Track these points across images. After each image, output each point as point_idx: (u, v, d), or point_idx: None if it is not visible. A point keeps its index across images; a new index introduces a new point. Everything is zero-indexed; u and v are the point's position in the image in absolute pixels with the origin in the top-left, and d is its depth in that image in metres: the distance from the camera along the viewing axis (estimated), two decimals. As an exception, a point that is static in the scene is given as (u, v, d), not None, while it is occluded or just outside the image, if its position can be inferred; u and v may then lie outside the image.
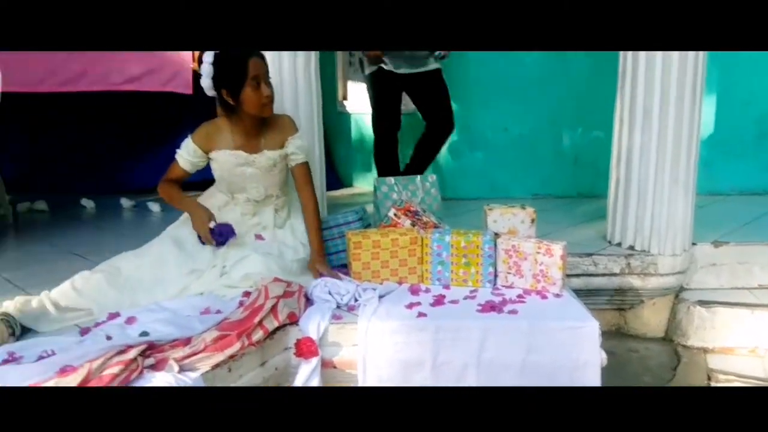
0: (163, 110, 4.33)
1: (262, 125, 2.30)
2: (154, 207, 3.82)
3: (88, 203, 3.99)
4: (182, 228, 2.30)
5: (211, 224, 2.17)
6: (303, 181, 2.36)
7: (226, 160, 2.28)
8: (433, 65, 3.27)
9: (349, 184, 4.54)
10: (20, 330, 1.81)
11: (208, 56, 2.18)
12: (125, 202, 3.98)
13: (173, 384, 1.48)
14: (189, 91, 3.78)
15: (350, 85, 4.42)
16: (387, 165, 3.40)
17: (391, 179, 2.64)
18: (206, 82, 2.22)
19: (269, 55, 2.45)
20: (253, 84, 2.16)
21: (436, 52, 3.16)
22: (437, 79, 3.32)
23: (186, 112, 4.28)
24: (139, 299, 2.01)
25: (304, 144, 2.37)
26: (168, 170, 2.35)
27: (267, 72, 2.22)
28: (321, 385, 1.83)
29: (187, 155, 2.29)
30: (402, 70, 3.23)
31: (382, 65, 3.21)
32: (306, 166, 2.37)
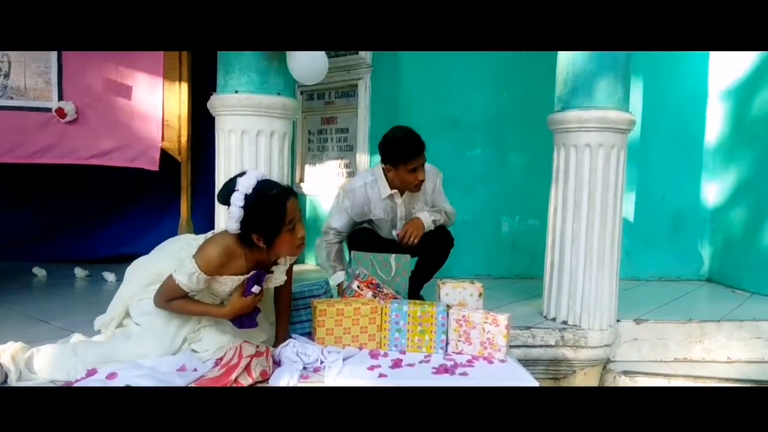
0: (120, 181, 4.44)
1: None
2: (109, 276, 3.85)
3: (39, 271, 3.97)
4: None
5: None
6: (289, 277, 2.35)
7: (232, 285, 2.16)
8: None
9: (302, 261, 4.73)
10: (4, 378, 1.89)
11: (238, 200, 1.97)
12: (79, 272, 3.98)
13: None
14: (155, 168, 3.95)
15: (307, 168, 4.71)
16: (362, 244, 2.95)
17: (368, 255, 2.71)
18: (233, 226, 2.01)
19: (248, 137, 2.71)
20: (289, 228, 2.03)
21: (394, 234, 2.88)
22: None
23: (144, 183, 4.45)
24: None
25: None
26: (166, 292, 2.10)
27: (300, 209, 2.09)
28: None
29: (193, 284, 2.07)
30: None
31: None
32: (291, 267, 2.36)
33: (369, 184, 2.89)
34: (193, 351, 2.22)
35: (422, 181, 2.83)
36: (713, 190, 4.34)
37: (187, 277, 2.04)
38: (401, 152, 2.75)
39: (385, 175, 2.87)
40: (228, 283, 2.14)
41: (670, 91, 4.24)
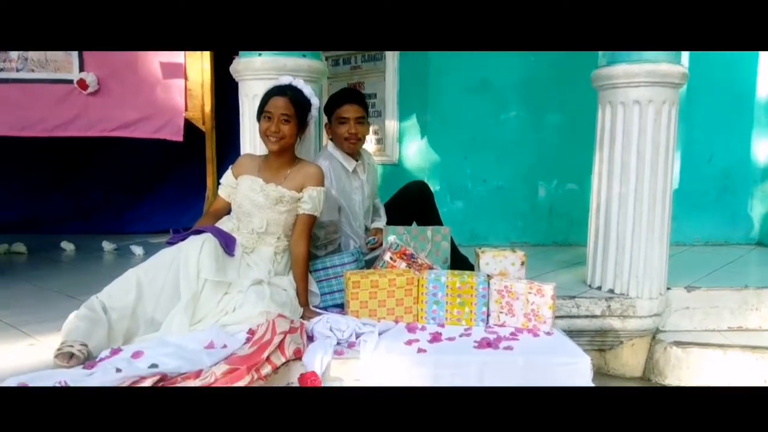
0: (149, 156, 4.38)
1: (288, 164, 2.44)
2: (137, 250, 3.80)
3: (67, 246, 3.95)
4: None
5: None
6: (301, 230, 2.40)
7: (245, 185, 2.42)
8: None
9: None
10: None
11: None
12: (107, 245, 3.95)
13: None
14: (179, 138, 3.85)
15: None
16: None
17: (401, 228, 2.58)
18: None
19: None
20: (265, 117, 2.38)
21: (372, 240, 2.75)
22: None
23: (172, 160, 4.37)
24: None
25: (319, 198, 2.40)
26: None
27: (284, 113, 2.35)
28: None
29: (224, 180, 2.52)
30: None
31: None
32: (310, 219, 2.41)
33: (332, 163, 2.68)
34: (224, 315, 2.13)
35: (354, 135, 2.67)
36: (765, 148, 4.09)
37: (224, 175, 2.55)
38: (332, 100, 2.75)
39: (334, 143, 2.75)
40: (242, 184, 2.43)
41: (718, 43, 3.97)
